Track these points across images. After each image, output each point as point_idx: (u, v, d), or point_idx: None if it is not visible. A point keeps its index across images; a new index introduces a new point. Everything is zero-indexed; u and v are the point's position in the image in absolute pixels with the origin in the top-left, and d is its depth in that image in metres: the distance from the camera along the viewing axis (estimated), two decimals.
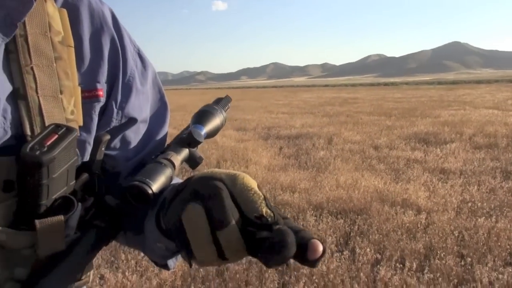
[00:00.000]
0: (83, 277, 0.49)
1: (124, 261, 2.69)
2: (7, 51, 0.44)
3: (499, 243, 2.84)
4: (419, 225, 3.22)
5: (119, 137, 0.57)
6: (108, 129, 0.55)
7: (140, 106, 0.58)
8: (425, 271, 2.49)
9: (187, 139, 0.51)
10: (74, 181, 0.45)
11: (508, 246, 2.81)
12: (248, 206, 0.37)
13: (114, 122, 0.55)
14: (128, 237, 0.55)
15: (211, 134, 0.56)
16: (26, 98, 0.44)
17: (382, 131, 8.58)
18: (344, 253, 2.76)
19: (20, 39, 0.45)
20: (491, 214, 3.45)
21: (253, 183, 0.39)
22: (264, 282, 2.42)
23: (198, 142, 0.52)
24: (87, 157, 0.52)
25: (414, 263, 2.57)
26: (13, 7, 0.43)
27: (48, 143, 0.39)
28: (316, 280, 2.38)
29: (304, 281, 2.38)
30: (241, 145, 7.34)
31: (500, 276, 2.39)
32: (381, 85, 69.76)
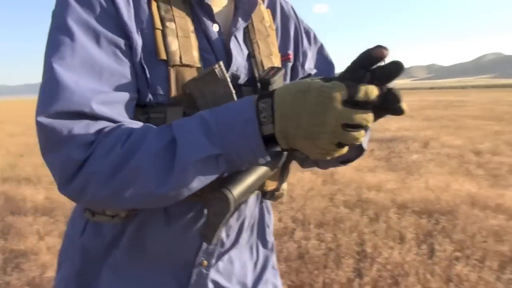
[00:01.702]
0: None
1: None
2: (244, 31, 0.76)
3: None
4: (508, 230, 3.12)
5: None
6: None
7: (311, 66, 0.90)
8: (507, 271, 2.47)
9: None
10: None
11: None
12: None
13: (300, 76, 0.87)
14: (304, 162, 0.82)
15: None
16: (255, 58, 0.75)
17: (486, 136, 7.99)
18: (422, 247, 2.84)
19: (249, 25, 0.77)
20: None
21: None
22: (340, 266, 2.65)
23: None
24: None
25: (496, 263, 2.56)
26: (248, 5, 0.76)
27: (271, 73, 0.66)
28: (390, 268, 2.54)
29: (377, 268, 2.56)
30: None
31: None
32: (498, 87, 62.69)
